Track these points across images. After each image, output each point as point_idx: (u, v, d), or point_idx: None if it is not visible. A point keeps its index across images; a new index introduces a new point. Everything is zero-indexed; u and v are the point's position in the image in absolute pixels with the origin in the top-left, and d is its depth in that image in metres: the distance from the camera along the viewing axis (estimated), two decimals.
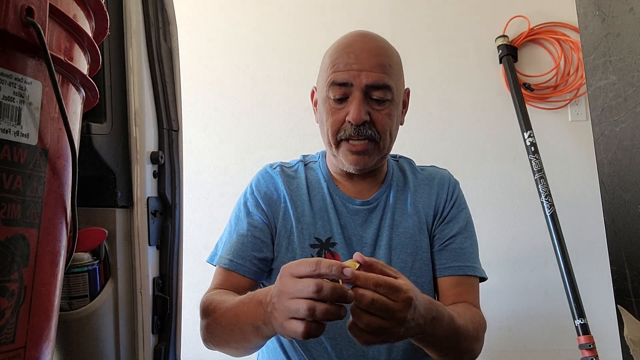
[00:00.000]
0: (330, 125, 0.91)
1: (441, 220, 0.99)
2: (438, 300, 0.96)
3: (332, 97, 0.90)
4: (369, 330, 0.61)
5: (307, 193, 0.98)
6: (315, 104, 1.01)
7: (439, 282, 0.96)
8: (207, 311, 0.85)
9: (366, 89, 0.88)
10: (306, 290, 0.59)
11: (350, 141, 0.90)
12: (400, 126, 0.98)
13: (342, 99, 0.90)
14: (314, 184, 1.00)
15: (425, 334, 0.69)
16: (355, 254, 0.65)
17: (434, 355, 0.80)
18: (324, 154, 1.05)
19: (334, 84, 0.89)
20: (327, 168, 1.02)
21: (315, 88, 1.01)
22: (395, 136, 0.95)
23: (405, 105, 1.00)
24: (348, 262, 0.64)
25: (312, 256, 0.92)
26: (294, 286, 0.61)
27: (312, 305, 0.58)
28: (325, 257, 0.92)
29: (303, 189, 0.98)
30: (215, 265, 0.97)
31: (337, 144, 0.92)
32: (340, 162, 0.94)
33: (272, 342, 0.98)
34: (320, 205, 0.97)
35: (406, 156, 1.10)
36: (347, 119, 0.89)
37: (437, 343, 0.75)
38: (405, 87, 0.99)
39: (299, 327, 0.60)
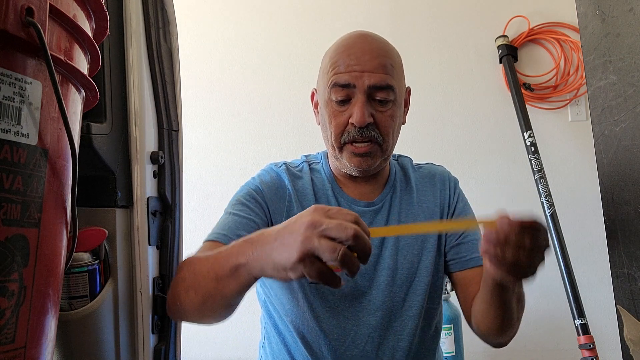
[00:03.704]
0: (333, 129, 0.90)
1: (450, 216, 0.99)
2: (463, 293, 0.96)
3: (334, 99, 0.89)
4: (530, 264, 0.65)
5: (313, 194, 0.97)
6: (315, 106, 1.00)
7: (462, 275, 0.95)
8: (184, 264, 0.78)
9: (369, 90, 0.87)
10: (344, 233, 0.54)
11: (354, 144, 0.89)
12: (402, 125, 0.98)
13: (345, 101, 0.89)
14: (319, 185, 0.99)
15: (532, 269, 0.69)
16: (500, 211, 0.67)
17: (501, 314, 0.83)
18: (325, 155, 1.03)
19: (335, 85, 0.88)
20: (330, 169, 1.01)
21: (315, 90, 1.00)
22: (398, 137, 0.95)
23: (406, 104, 0.99)
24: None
25: None
26: (331, 225, 0.55)
27: (345, 251, 0.54)
28: None
29: (309, 190, 0.97)
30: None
31: (341, 147, 0.91)
32: (344, 164, 0.93)
33: (276, 344, 0.97)
34: None
35: (405, 155, 1.10)
36: (350, 121, 0.88)
37: (519, 292, 0.83)
38: (406, 86, 0.98)
39: (313, 266, 0.56)
